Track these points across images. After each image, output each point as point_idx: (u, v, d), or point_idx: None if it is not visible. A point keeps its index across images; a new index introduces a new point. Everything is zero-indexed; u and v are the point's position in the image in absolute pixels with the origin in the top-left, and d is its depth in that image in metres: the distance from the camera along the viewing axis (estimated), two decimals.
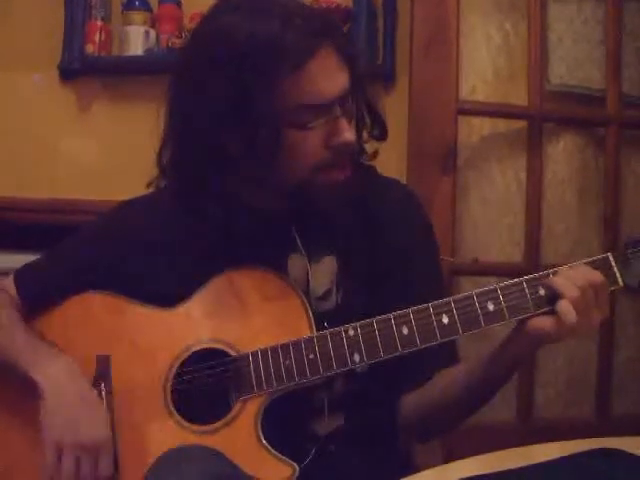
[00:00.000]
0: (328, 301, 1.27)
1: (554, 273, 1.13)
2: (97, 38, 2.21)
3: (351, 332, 1.18)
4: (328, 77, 1.15)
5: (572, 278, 1.11)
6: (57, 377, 1.21)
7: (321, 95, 1.14)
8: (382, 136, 1.28)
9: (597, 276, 1.12)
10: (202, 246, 1.25)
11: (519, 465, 1.03)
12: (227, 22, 1.16)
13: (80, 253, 1.35)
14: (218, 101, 1.14)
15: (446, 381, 1.28)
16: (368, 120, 1.26)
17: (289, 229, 1.27)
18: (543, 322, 1.11)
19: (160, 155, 1.26)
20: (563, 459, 1.05)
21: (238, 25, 1.13)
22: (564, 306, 1.09)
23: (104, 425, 1.19)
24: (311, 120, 1.15)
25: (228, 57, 1.13)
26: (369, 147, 1.30)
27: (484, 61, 2.25)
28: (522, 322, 1.14)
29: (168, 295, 1.27)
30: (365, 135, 1.27)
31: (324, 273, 1.27)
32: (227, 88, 1.13)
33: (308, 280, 1.26)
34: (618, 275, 1.13)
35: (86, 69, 2.24)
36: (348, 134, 1.18)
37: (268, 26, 1.12)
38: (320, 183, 1.19)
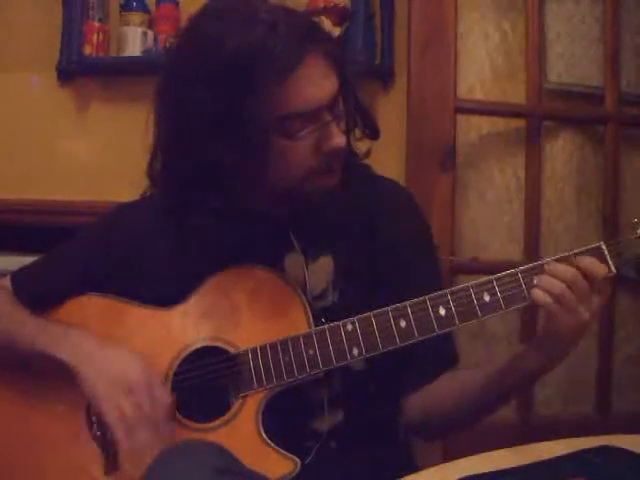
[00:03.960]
0: (325, 300, 1.27)
1: (547, 263, 1.14)
2: (95, 39, 2.20)
3: (349, 326, 1.18)
4: (315, 84, 1.14)
5: (554, 273, 1.11)
6: (79, 346, 1.22)
7: (309, 103, 1.14)
8: (374, 135, 1.28)
9: (585, 262, 1.12)
10: (200, 246, 1.25)
11: (519, 463, 1.03)
12: (212, 31, 1.14)
13: (78, 256, 1.35)
14: (206, 112, 1.13)
15: (459, 386, 1.28)
16: (359, 120, 1.26)
17: (286, 229, 1.27)
18: (540, 331, 1.13)
19: (150, 166, 1.25)
20: (563, 457, 1.05)
21: (223, 35, 1.12)
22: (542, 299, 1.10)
23: (143, 362, 1.20)
24: (300, 129, 1.15)
25: (214, 67, 1.12)
26: (366, 146, 1.30)
27: (482, 60, 2.25)
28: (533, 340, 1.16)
29: (167, 295, 1.27)
30: (358, 134, 1.27)
31: (320, 272, 1.27)
32: (214, 98, 1.12)
33: (305, 279, 1.26)
34: (611, 263, 1.14)
35: (84, 70, 2.24)
36: (338, 139, 1.17)
37: (254, 35, 1.11)
38: (311, 188, 1.20)
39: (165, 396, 1.19)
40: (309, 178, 1.19)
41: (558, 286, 1.10)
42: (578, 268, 1.11)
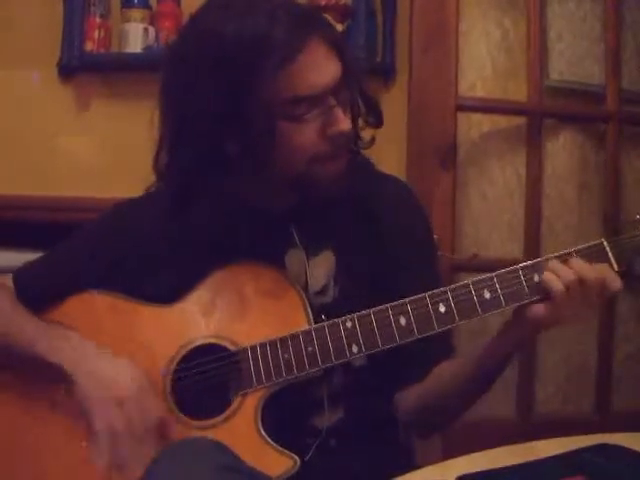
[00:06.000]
0: (326, 296, 1.27)
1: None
2: (96, 35, 2.20)
3: (349, 324, 1.18)
4: (318, 69, 1.15)
5: (560, 272, 1.11)
6: (76, 352, 1.23)
7: (312, 87, 1.15)
8: (378, 123, 1.28)
9: (589, 271, 1.11)
10: (201, 243, 1.25)
11: (518, 462, 1.03)
12: (214, 22, 1.16)
13: (80, 254, 1.35)
14: (211, 101, 1.14)
15: (444, 373, 1.28)
16: (363, 107, 1.26)
17: (287, 224, 1.27)
18: (538, 309, 1.11)
19: (157, 159, 1.26)
20: (561, 455, 1.05)
21: (225, 25, 1.14)
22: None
23: (137, 374, 1.20)
24: (305, 112, 1.16)
25: (217, 57, 1.13)
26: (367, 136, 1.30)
27: (483, 58, 2.25)
28: (519, 310, 1.14)
29: (168, 292, 1.27)
30: (361, 123, 1.27)
31: (322, 268, 1.28)
32: (219, 88, 1.13)
33: (306, 275, 1.27)
34: (613, 260, 1.14)
35: (85, 66, 2.23)
36: (344, 123, 1.18)
37: (255, 24, 1.12)
38: (317, 175, 1.20)
39: (154, 409, 1.18)
40: (315, 164, 1.19)
41: (571, 276, 1.10)
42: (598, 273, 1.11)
